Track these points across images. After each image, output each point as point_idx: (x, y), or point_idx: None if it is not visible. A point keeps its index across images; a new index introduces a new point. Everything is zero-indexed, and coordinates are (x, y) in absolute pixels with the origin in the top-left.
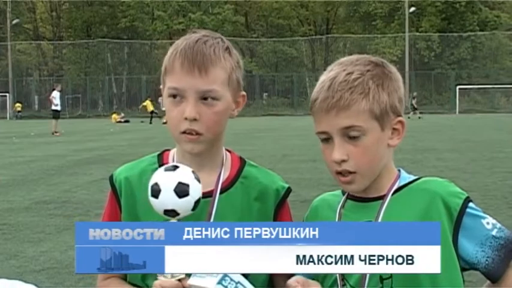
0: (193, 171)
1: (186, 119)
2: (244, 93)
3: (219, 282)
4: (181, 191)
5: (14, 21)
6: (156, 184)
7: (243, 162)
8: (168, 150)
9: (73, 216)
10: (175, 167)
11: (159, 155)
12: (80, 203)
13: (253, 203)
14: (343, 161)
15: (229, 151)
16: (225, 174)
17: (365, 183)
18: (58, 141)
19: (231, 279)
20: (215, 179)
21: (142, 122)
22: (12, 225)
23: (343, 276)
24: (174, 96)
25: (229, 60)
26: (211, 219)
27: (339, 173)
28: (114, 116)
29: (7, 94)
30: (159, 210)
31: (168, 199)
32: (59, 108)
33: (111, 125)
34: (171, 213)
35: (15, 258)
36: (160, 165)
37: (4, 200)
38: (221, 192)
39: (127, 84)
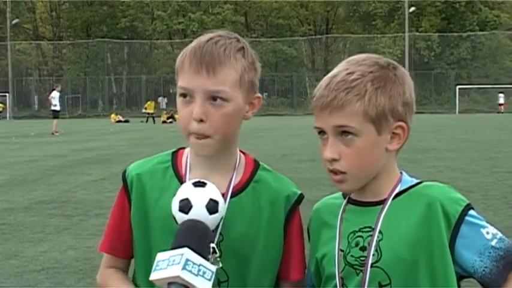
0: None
1: (194, 119)
2: (259, 95)
3: (184, 268)
4: (212, 207)
5: (14, 21)
6: (186, 199)
7: (256, 166)
8: (183, 148)
9: (73, 216)
10: (203, 183)
11: (173, 153)
12: (79, 203)
13: (264, 208)
14: (334, 160)
15: (243, 153)
16: (237, 178)
17: (357, 184)
18: (58, 141)
19: (193, 263)
20: (227, 182)
21: (142, 122)
22: (12, 225)
23: (343, 282)
24: (184, 95)
25: (242, 61)
26: (221, 223)
27: (332, 171)
28: (113, 116)
29: (7, 94)
30: None
31: (199, 215)
32: (58, 108)
33: (111, 125)
34: None
35: (15, 258)
36: (173, 165)
37: (4, 199)
38: (232, 196)
39: (127, 84)
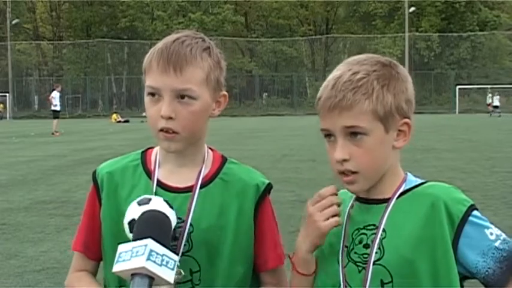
0: (165, 200)
1: (162, 117)
2: (225, 93)
3: (148, 259)
4: None
5: (14, 21)
6: (133, 220)
7: (224, 160)
8: (152, 148)
9: (73, 216)
10: (148, 200)
11: (142, 152)
12: (79, 203)
13: (233, 199)
14: (345, 160)
15: (211, 149)
16: (205, 171)
17: (367, 183)
18: (58, 141)
19: (157, 253)
20: (196, 174)
21: (142, 122)
22: (12, 225)
23: (346, 278)
24: (153, 94)
25: (208, 60)
26: (191, 214)
27: (342, 172)
28: (113, 116)
29: (7, 94)
30: None
31: None
32: (58, 108)
33: (111, 125)
34: None
35: (15, 258)
36: (142, 162)
37: (4, 200)
38: (201, 188)
39: (127, 84)
